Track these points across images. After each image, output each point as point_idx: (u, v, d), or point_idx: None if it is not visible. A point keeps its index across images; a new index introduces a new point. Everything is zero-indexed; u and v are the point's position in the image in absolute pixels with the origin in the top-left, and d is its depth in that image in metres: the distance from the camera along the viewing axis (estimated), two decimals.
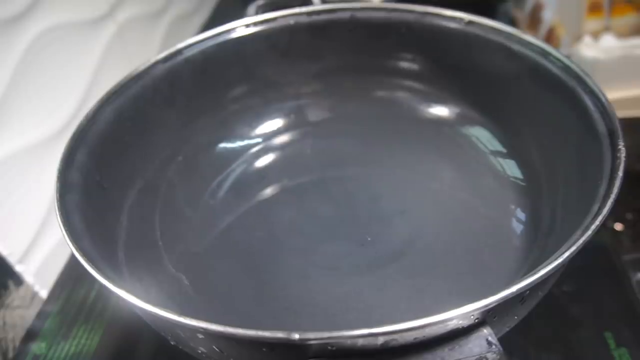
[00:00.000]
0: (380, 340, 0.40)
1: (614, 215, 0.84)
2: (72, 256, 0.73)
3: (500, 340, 0.42)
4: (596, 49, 1.25)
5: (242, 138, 0.82)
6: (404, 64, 0.81)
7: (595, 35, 1.31)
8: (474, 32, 0.73)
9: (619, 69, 1.21)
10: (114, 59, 1.08)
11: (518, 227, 0.68)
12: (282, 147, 0.83)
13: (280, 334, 0.38)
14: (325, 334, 0.38)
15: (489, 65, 0.73)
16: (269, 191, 0.78)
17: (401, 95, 0.83)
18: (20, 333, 0.76)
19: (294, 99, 0.82)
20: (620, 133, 0.54)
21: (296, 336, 0.38)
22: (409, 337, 0.40)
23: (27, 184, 0.85)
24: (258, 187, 0.79)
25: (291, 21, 0.77)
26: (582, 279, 0.72)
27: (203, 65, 0.75)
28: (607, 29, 1.34)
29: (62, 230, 0.50)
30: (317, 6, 0.78)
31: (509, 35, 0.70)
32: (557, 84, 0.64)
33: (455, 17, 0.73)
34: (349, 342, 0.39)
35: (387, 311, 0.61)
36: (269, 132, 0.84)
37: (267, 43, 0.77)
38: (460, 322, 0.41)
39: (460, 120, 0.80)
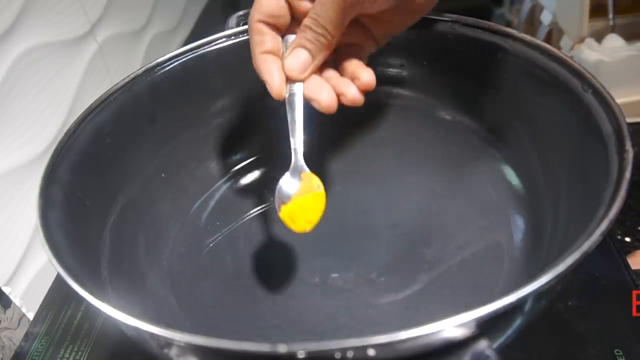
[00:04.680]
0: (371, 352, 0.38)
1: (623, 228, 0.82)
2: (58, 278, 0.72)
3: (502, 353, 0.41)
4: (600, 50, 1.23)
5: (225, 154, 0.81)
6: (392, 71, 0.80)
7: (599, 36, 1.30)
8: (466, 34, 0.71)
9: (625, 71, 1.19)
10: (96, 78, 1.08)
11: (517, 238, 0.67)
12: (267, 162, 0.82)
13: (266, 347, 0.37)
14: (313, 346, 0.37)
15: (482, 68, 0.72)
16: (254, 208, 0.78)
17: (389, 104, 0.82)
18: (8, 354, 0.75)
19: (277, 110, 0.82)
20: (626, 132, 0.51)
21: (283, 348, 0.37)
22: (402, 350, 0.39)
23: (12, 207, 0.84)
24: (244, 204, 0.78)
25: None
26: (590, 293, 0.69)
27: (184, 78, 0.74)
28: (611, 29, 1.33)
29: (44, 246, 0.49)
30: None
31: (503, 35, 0.68)
32: (555, 83, 0.62)
33: (446, 19, 0.72)
34: (338, 355, 0.38)
35: (379, 328, 0.60)
36: (253, 147, 0.83)
37: (249, 54, 0.77)
38: (455, 334, 0.40)
39: (453, 127, 0.78)
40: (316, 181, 0.62)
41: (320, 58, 0.59)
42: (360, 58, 0.63)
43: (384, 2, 0.58)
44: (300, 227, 0.60)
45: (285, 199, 0.61)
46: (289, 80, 0.59)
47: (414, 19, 0.65)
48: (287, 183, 0.62)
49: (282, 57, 0.60)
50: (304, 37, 0.58)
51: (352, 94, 0.59)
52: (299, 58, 0.58)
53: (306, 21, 0.57)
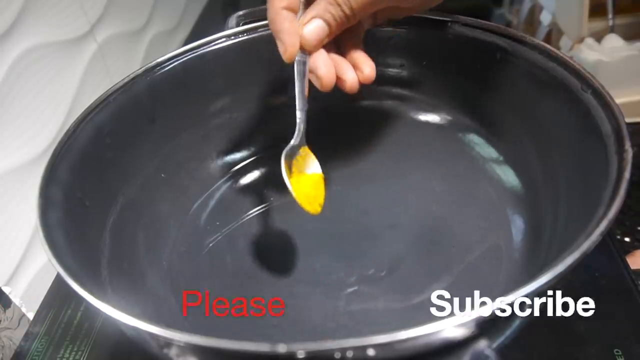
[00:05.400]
0: (371, 352, 0.38)
1: (623, 228, 0.81)
2: (58, 278, 0.72)
3: (501, 353, 0.41)
4: (599, 50, 1.23)
5: (225, 154, 0.82)
6: (392, 71, 0.80)
7: (598, 36, 1.30)
8: (466, 34, 0.71)
9: (624, 71, 1.19)
10: (96, 78, 1.08)
11: (517, 238, 0.67)
12: (267, 162, 0.82)
13: (265, 347, 0.37)
14: (313, 346, 0.37)
15: (482, 68, 0.72)
16: (254, 208, 0.78)
17: (389, 103, 0.82)
18: (8, 354, 0.75)
19: (278, 110, 0.81)
20: (626, 132, 0.51)
21: (283, 348, 0.37)
22: (402, 350, 0.39)
23: (12, 207, 0.84)
24: (243, 204, 0.78)
25: None
26: (589, 293, 0.69)
27: (184, 78, 0.74)
28: (611, 29, 1.33)
29: (44, 246, 0.49)
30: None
31: (502, 35, 0.68)
32: (555, 83, 0.62)
33: (446, 19, 0.72)
34: (338, 355, 0.38)
35: (379, 328, 0.60)
36: (253, 147, 0.83)
37: (249, 54, 0.77)
38: (455, 334, 0.40)
39: (453, 127, 0.79)
40: (315, 160, 0.65)
41: (334, 34, 0.60)
42: (358, 34, 0.64)
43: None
44: (314, 209, 0.62)
45: (292, 168, 0.63)
46: (301, 48, 0.59)
47: (423, 8, 0.65)
48: (293, 152, 0.64)
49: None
50: (328, 10, 0.57)
51: (351, 83, 0.61)
52: (317, 29, 0.58)
53: None
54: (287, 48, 0.58)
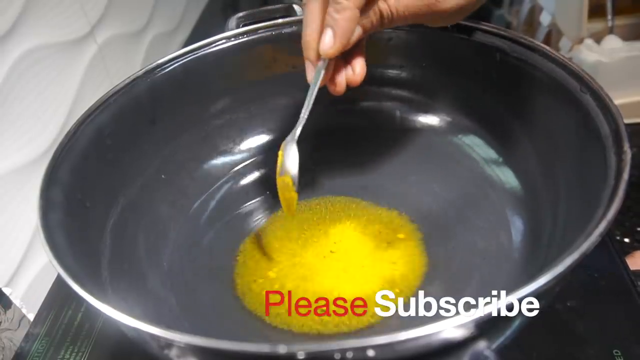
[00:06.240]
0: (371, 353, 0.38)
1: (622, 228, 0.81)
2: (58, 279, 0.72)
3: (501, 354, 0.41)
4: (599, 51, 1.23)
5: (226, 154, 0.82)
6: (392, 72, 0.80)
7: (598, 37, 1.29)
8: (465, 35, 0.71)
9: (624, 72, 1.19)
10: (96, 79, 1.08)
11: (516, 239, 0.67)
12: (267, 164, 0.82)
13: (265, 347, 0.37)
14: (313, 346, 0.38)
15: (481, 69, 0.72)
16: (255, 210, 0.78)
17: (389, 105, 0.83)
18: (9, 355, 0.75)
19: (278, 112, 0.82)
20: (624, 133, 0.51)
21: (283, 349, 0.37)
22: (402, 351, 0.39)
23: (12, 208, 0.84)
24: (244, 205, 0.78)
25: (273, 32, 0.77)
26: (588, 293, 0.68)
27: (184, 80, 0.75)
28: (610, 30, 1.33)
29: (45, 247, 0.49)
30: (298, 16, 0.77)
31: (501, 36, 0.68)
32: (554, 85, 0.62)
33: None
34: (338, 355, 0.38)
35: (379, 328, 0.60)
36: (254, 148, 0.83)
37: (250, 55, 0.77)
38: (455, 334, 0.40)
39: (452, 128, 0.79)
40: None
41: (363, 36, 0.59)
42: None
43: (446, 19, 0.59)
44: (291, 213, 0.66)
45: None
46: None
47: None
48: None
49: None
50: (370, 18, 0.57)
51: (339, 87, 0.62)
52: (355, 33, 0.57)
53: (383, 8, 0.56)
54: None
